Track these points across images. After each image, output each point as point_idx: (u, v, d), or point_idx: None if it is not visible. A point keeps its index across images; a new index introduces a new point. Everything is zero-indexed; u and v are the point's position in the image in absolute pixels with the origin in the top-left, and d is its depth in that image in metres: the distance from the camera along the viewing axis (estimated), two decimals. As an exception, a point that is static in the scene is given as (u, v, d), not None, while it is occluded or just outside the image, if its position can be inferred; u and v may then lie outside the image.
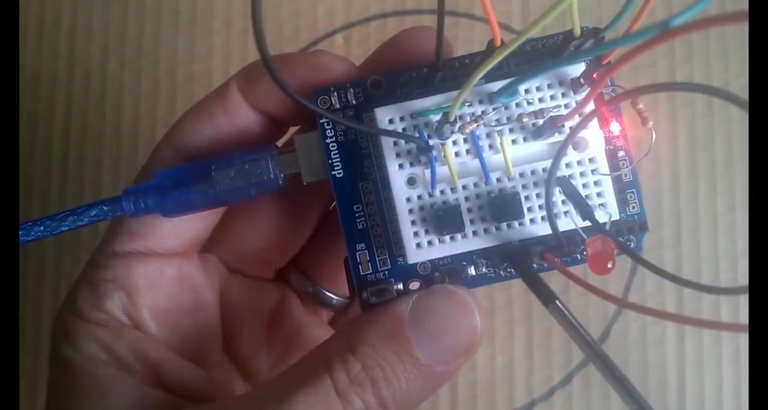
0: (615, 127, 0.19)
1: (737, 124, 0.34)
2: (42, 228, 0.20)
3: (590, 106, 0.18)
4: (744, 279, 0.33)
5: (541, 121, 0.18)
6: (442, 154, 0.18)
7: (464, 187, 0.19)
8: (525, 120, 0.18)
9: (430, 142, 0.18)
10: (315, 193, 0.23)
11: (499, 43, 0.17)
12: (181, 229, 0.21)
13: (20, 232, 0.20)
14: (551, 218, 0.18)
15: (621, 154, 0.20)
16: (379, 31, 0.35)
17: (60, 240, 0.33)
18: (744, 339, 0.33)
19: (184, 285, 0.22)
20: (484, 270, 0.20)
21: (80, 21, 0.35)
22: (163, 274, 0.21)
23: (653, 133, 0.18)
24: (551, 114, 0.18)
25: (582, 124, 0.17)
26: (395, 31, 0.34)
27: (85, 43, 0.35)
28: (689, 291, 0.33)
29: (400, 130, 0.19)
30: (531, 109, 0.19)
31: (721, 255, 0.34)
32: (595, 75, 0.17)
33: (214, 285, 0.23)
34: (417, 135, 0.18)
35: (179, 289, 0.21)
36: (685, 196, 0.34)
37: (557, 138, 0.18)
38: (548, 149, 0.19)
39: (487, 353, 0.33)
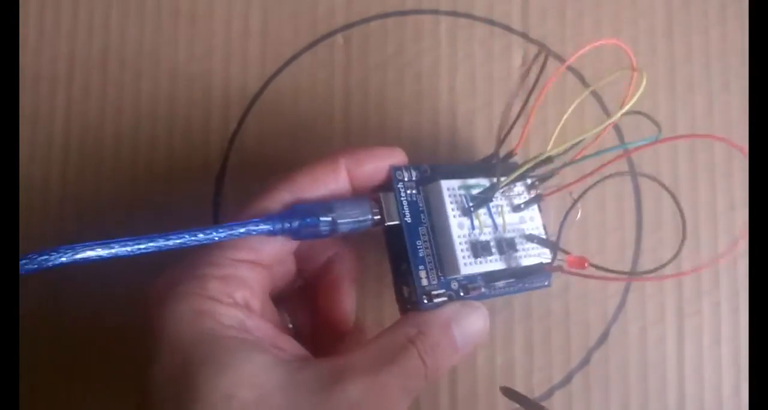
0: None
1: (737, 124, 0.35)
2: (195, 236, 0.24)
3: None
4: (744, 279, 0.33)
5: (521, 203, 0.29)
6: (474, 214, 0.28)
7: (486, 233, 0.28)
8: (514, 201, 0.29)
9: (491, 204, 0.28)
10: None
11: (518, 149, 0.29)
12: (277, 251, 0.27)
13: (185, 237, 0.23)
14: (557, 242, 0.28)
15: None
16: (379, 31, 0.35)
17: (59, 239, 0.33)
18: (744, 339, 0.33)
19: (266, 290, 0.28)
20: (484, 290, 0.28)
21: (80, 21, 0.35)
22: (264, 280, 0.27)
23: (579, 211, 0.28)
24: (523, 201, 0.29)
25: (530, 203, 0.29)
26: (395, 31, 0.35)
27: (85, 43, 0.35)
28: (689, 291, 0.34)
29: (456, 195, 0.28)
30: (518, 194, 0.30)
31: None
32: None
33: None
34: (465, 201, 0.28)
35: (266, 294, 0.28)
36: (684, 196, 0.34)
37: (521, 213, 0.30)
38: (521, 217, 0.30)
39: (487, 353, 0.33)
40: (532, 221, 0.30)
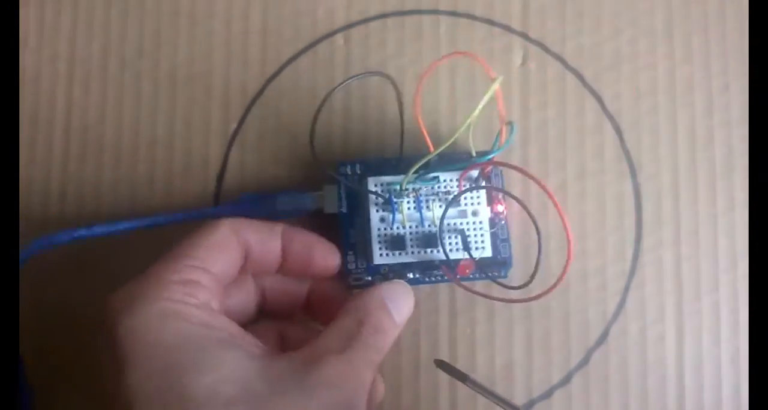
0: (499, 207, 0.32)
1: (737, 124, 0.35)
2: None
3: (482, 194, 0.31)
4: (744, 279, 0.33)
5: (451, 197, 0.31)
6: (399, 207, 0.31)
7: (410, 227, 0.31)
8: (444, 195, 0.31)
9: (394, 199, 0.31)
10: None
11: (432, 149, 0.30)
12: (225, 261, 0.29)
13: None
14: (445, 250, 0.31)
15: (501, 222, 0.32)
16: (379, 31, 0.35)
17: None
18: (744, 339, 0.33)
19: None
20: (418, 276, 0.32)
21: (80, 21, 0.35)
22: (218, 287, 0.28)
23: (505, 211, 0.32)
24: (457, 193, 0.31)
25: (456, 198, 0.31)
26: (395, 31, 0.35)
27: (85, 43, 0.35)
28: (689, 292, 0.34)
29: (380, 191, 0.31)
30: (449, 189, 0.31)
31: (721, 255, 0.34)
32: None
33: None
34: (387, 195, 0.31)
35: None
36: (684, 196, 0.34)
37: (461, 207, 0.31)
38: (457, 212, 0.31)
39: (487, 353, 0.33)
40: (475, 216, 0.31)
